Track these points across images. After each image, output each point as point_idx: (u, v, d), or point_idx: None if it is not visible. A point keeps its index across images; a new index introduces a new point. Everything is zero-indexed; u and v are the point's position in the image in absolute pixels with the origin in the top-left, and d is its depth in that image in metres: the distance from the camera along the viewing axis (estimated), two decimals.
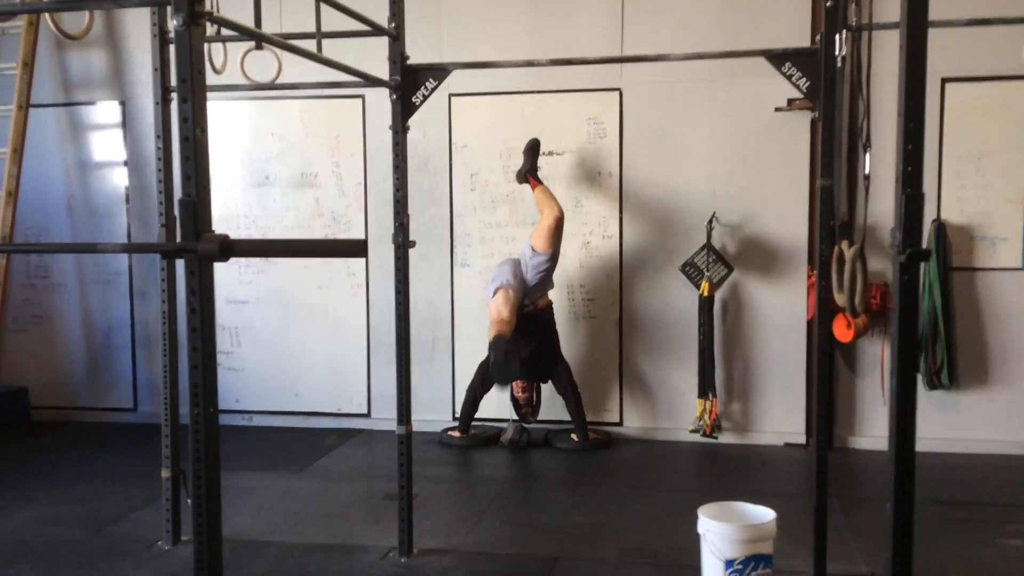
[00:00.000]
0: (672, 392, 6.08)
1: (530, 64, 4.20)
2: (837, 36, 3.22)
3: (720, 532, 3.43)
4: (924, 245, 2.11)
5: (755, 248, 5.93)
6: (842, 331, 5.64)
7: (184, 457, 4.21)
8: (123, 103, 6.63)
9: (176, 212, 2.45)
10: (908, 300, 2.13)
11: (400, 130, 3.96)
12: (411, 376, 4.16)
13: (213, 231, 2.18)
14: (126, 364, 6.75)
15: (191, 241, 2.18)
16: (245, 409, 6.61)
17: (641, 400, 6.14)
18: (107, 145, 6.70)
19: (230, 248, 2.17)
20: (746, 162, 5.90)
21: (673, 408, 6.08)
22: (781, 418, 5.98)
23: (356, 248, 2.16)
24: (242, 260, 6.52)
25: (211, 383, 2.25)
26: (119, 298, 6.73)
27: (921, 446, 6.28)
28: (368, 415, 6.50)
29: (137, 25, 6.44)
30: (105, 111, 6.67)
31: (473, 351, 6.27)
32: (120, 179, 6.67)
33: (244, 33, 2.87)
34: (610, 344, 6.15)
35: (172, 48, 2.70)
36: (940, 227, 5.66)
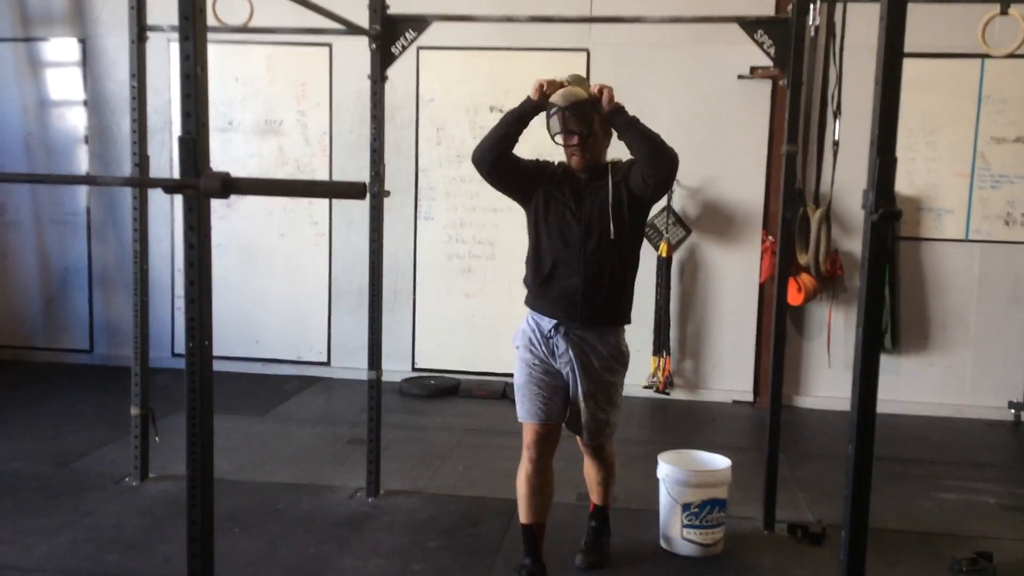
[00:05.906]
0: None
1: (510, 20, 4.26)
2: (812, 6, 3.34)
3: (679, 477, 3.60)
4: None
5: (713, 212, 6.09)
6: (793, 294, 5.83)
7: (151, 396, 4.26)
8: (83, 41, 6.51)
9: (176, 150, 2.49)
10: (876, 258, 2.27)
11: (379, 79, 4.00)
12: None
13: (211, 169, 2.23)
14: (83, 305, 6.70)
15: (191, 178, 2.23)
16: None
17: None
18: (66, 83, 6.58)
19: (231, 185, 2.22)
20: (707, 127, 6.03)
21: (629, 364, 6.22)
22: (730, 377, 6.20)
23: (355, 190, 2.22)
24: None
25: (206, 317, 2.33)
26: (76, 238, 6.66)
27: None
28: (328, 363, 6.56)
29: None
30: (64, 48, 6.55)
31: (434, 304, 6.36)
32: (78, 119, 6.56)
33: None
34: None
35: None
36: None
